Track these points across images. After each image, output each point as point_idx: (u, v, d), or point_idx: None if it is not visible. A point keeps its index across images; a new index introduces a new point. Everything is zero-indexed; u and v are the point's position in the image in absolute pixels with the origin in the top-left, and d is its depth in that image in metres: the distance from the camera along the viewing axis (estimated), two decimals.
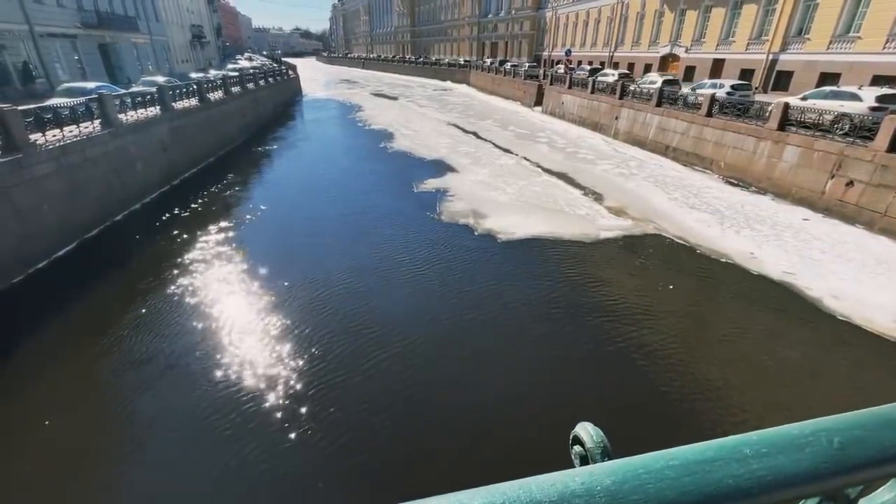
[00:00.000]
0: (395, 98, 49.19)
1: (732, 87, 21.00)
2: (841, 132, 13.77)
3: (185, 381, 7.14)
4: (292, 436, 6.14)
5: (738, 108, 17.66)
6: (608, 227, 13.43)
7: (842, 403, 6.57)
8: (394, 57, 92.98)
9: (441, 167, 20.35)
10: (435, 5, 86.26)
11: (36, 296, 9.51)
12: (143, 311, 9.05)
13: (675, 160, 20.37)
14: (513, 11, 61.74)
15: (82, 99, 14.18)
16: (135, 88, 20.25)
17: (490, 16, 67.98)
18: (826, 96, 15.87)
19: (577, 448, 0.73)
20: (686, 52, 34.28)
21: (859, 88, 15.58)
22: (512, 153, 23.25)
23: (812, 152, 14.21)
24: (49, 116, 12.20)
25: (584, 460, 0.72)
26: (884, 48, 21.05)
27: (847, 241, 11.78)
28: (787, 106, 15.44)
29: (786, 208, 14.31)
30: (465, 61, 65.10)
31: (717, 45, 31.17)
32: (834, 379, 7.51)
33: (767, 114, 16.09)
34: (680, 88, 23.17)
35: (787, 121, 15.39)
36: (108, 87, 17.86)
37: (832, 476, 0.67)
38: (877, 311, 8.79)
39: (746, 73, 28.47)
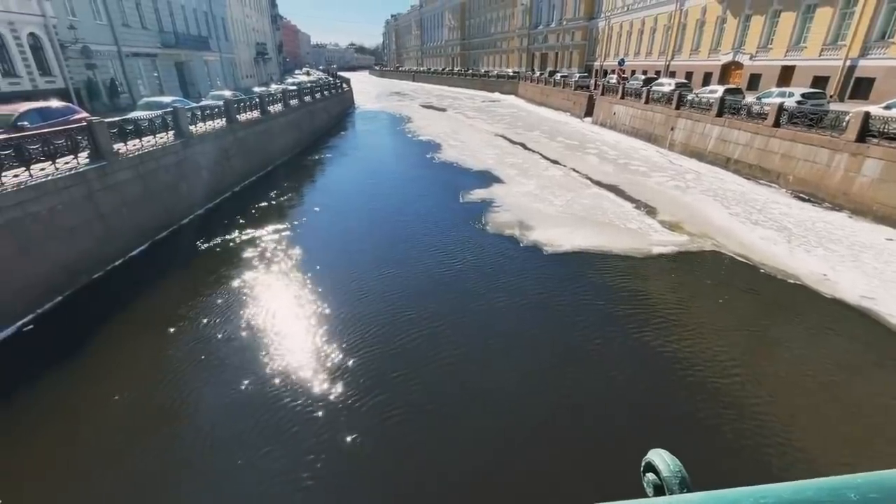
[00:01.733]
0: (443, 109, 49.92)
1: (803, 95, 19.60)
2: None
3: (238, 373, 7.49)
4: (343, 440, 6.24)
5: (809, 117, 16.42)
6: (662, 242, 12.83)
7: None
8: (443, 69, 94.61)
9: (487, 178, 20.34)
10: (485, 18, 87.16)
11: (112, 291, 10.37)
12: (204, 307, 9.62)
13: (737, 173, 19.21)
14: (564, 22, 61.17)
15: (159, 112, 15.47)
16: (204, 102, 21.87)
17: (541, 27, 67.71)
18: None
19: (650, 476, 0.68)
20: (751, 59, 32.42)
21: None
22: (560, 164, 22.86)
23: None
24: (130, 128, 13.41)
25: (659, 490, 0.67)
26: None
27: None
28: (867, 115, 14.17)
29: (865, 227, 13.06)
30: (514, 72, 65.11)
31: (787, 52, 29.25)
32: None
33: (844, 124, 14.83)
34: (743, 97, 21.91)
35: (867, 131, 14.11)
36: (181, 101, 19.39)
37: None
38: None
39: (820, 81, 26.47)
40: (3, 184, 8.96)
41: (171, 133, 15.24)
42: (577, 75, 45.87)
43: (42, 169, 10.10)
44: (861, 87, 24.46)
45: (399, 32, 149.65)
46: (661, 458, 0.68)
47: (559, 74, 49.15)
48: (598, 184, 19.11)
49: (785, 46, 29.33)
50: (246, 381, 7.39)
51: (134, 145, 13.27)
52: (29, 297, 9.08)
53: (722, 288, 10.48)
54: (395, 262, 11.90)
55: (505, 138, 30.96)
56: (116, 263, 11.54)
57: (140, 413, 6.89)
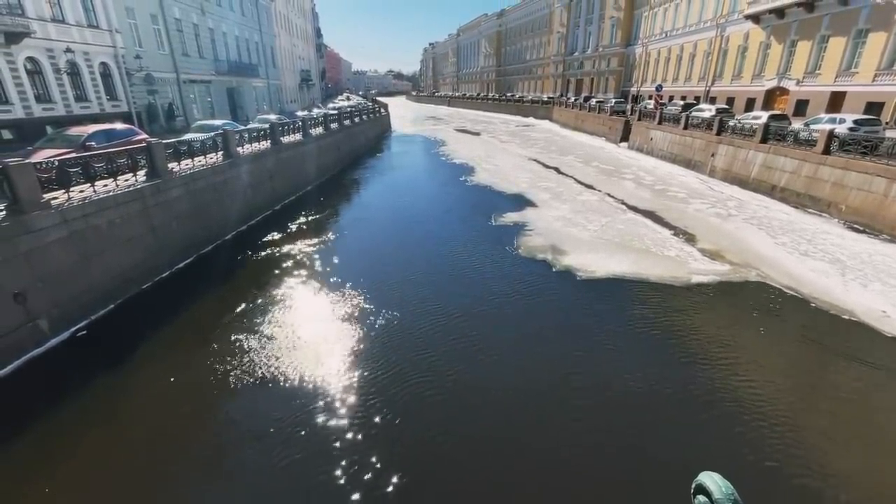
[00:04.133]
0: (477, 134, 50.65)
1: (856, 121, 18.72)
2: None
3: (271, 383, 7.66)
4: (374, 469, 6.21)
5: (863, 144, 15.63)
6: (702, 270, 12.35)
7: None
8: (478, 94, 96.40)
9: (520, 201, 20.33)
10: (521, 45, 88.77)
11: (160, 301, 10.91)
12: (242, 319, 9.95)
13: (784, 201, 18.40)
14: (600, 48, 61.44)
15: (211, 134, 16.47)
16: (251, 125, 23.12)
17: (576, 53, 68.23)
18: None
19: (701, 498, 0.68)
20: (797, 84, 31.38)
21: None
22: (595, 189, 22.61)
23: None
24: (184, 149, 14.32)
25: None
26: None
27: None
28: None
29: None
30: (549, 98, 65.53)
31: (837, 77, 28.15)
32: None
33: None
34: (789, 123, 21.16)
35: None
36: (230, 124, 20.58)
37: None
38: None
39: (874, 107, 25.25)
40: (70, 198, 9.71)
41: (220, 153, 16.15)
42: (613, 100, 45.65)
43: (105, 185, 10.90)
44: None
45: (436, 59, 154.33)
46: (712, 481, 0.68)
47: (594, 99, 49.09)
48: (634, 209, 18.73)
49: (834, 72, 28.27)
50: (276, 397, 7.54)
51: (186, 164, 14.14)
52: (85, 303, 9.69)
53: (769, 321, 9.93)
54: (426, 282, 11.98)
55: (538, 162, 31.00)
56: (165, 275, 12.16)
57: (181, 419, 7.13)
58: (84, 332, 9.39)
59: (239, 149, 17.37)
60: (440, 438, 6.70)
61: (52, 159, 10.06)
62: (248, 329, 9.62)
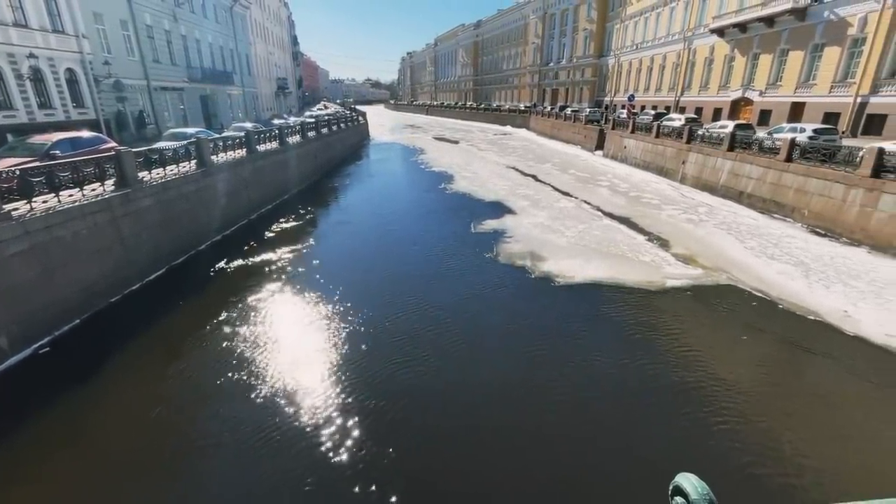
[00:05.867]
0: (455, 142, 51.01)
1: (815, 131, 19.68)
2: None
3: (249, 398, 7.45)
4: (355, 476, 6.13)
5: (822, 152, 16.43)
6: (675, 275, 12.69)
7: None
8: (456, 103, 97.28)
9: (499, 209, 20.53)
10: (498, 55, 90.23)
11: (129, 315, 10.51)
12: (216, 331, 9.67)
13: (751, 206, 19.12)
14: (574, 59, 63.01)
15: (183, 142, 16.09)
16: (226, 133, 22.72)
17: (552, 63, 69.77)
18: None
19: (678, 500, 0.70)
20: (760, 95, 32.84)
21: None
22: (571, 196, 23.02)
23: None
24: (156, 157, 13.94)
25: None
26: None
27: None
28: (881, 151, 14.14)
29: (886, 263, 12.79)
30: (526, 107, 66.66)
31: (796, 89, 29.60)
32: None
33: (858, 159, 14.80)
34: (754, 132, 22.07)
35: (882, 167, 14.05)
36: (204, 133, 20.17)
37: None
38: None
39: (831, 117, 26.62)
40: (33, 209, 9.31)
41: (193, 162, 15.78)
42: (588, 110, 46.79)
43: (70, 195, 10.50)
44: (873, 124, 24.50)
45: (414, 68, 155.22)
46: (689, 482, 0.70)
47: (570, 109, 50.20)
48: (610, 216, 19.15)
49: (794, 83, 29.71)
50: (256, 406, 7.34)
51: (157, 174, 13.76)
52: (48, 318, 9.25)
53: (740, 323, 10.26)
54: (405, 291, 11.91)
55: (516, 170, 31.40)
56: (135, 287, 11.75)
57: (150, 439, 6.85)
58: (47, 348, 8.96)
59: (213, 157, 17.01)
60: (419, 442, 6.65)
61: (13, 168, 9.65)
62: (223, 341, 9.36)
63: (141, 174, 12.92)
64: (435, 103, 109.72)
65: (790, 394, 7.99)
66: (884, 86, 24.08)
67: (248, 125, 27.88)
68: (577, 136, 41.85)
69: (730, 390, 7.76)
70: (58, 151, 12.74)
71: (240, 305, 11.00)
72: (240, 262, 14.05)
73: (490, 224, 17.87)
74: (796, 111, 29.35)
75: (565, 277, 12.46)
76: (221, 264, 13.79)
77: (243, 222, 18.40)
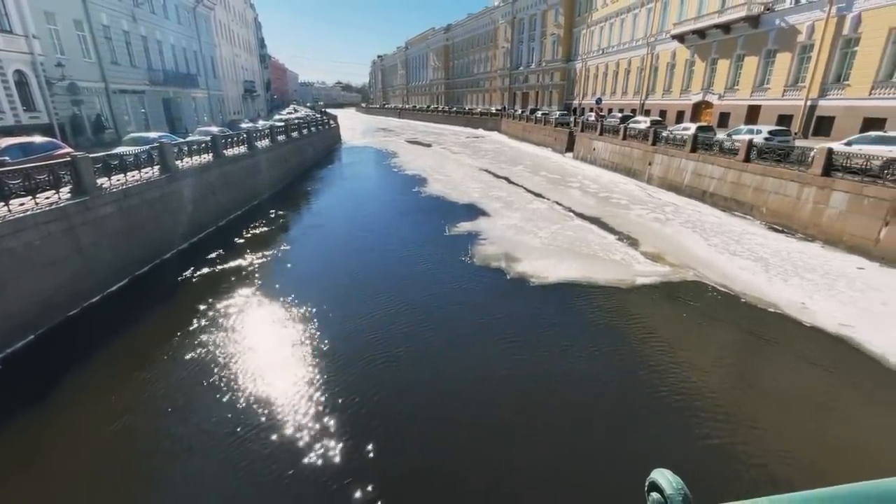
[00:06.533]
0: (428, 145, 51.05)
1: (771, 132, 20.69)
2: (892, 178, 13.16)
3: (217, 400, 7.21)
4: (326, 480, 6.01)
5: (777, 153, 17.29)
6: (645, 272, 13.07)
7: None
8: (428, 107, 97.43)
9: (473, 211, 20.65)
10: (468, 59, 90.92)
11: (88, 328, 10.00)
12: (183, 343, 9.32)
13: (714, 205, 19.91)
14: (543, 63, 64.18)
15: (145, 147, 15.49)
16: (191, 137, 22.01)
17: (521, 67, 70.83)
18: (873, 141, 15.36)
19: (655, 495, 0.71)
20: (719, 98, 34.29)
21: None
22: (544, 198, 23.39)
23: (862, 198, 13.60)
24: (115, 163, 13.35)
25: None
26: None
27: None
28: (830, 151, 15.00)
29: (837, 256, 13.56)
30: (497, 110, 67.39)
31: (752, 92, 31.05)
32: None
33: (810, 159, 15.65)
34: (715, 134, 23.02)
35: (831, 166, 14.90)
36: (168, 137, 19.49)
37: None
38: None
39: (784, 119, 28.04)
40: None
41: (156, 168, 15.21)
42: (558, 113, 47.72)
43: (21, 204, 9.93)
44: (823, 125, 25.96)
45: (385, 72, 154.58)
46: (664, 478, 0.71)
47: (540, 112, 51.08)
48: (581, 216, 19.55)
49: (750, 87, 31.17)
50: (228, 411, 7.13)
51: (118, 180, 13.19)
52: None
53: (706, 317, 10.66)
54: (380, 295, 11.80)
55: (489, 172, 31.68)
56: (95, 299, 11.20)
57: (115, 449, 6.53)
58: None
59: (178, 162, 16.45)
60: (394, 440, 6.61)
61: None
62: (191, 350, 9.03)
63: (100, 181, 12.35)
64: (407, 106, 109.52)
65: (755, 384, 8.35)
66: (831, 90, 25.57)
67: (215, 129, 27.09)
68: (548, 139, 42.60)
69: (699, 382, 8.04)
70: (7, 158, 12.06)
71: (209, 313, 10.65)
72: (209, 269, 13.61)
73: (464, 226, 17.95)
74: (753, 113, 30.78)
75: (539, 277, 12.63)
76: (189, 272, 13.32)
77: (212, 229, 17.84)
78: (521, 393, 7.90)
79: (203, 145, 19.21)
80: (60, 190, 11.09)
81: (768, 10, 29.00)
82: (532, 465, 6.34)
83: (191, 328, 10.01)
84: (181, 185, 16.06)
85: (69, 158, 11.54)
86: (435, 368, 8.64)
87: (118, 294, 11.84)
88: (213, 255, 14.84)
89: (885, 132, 16.54)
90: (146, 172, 14.56)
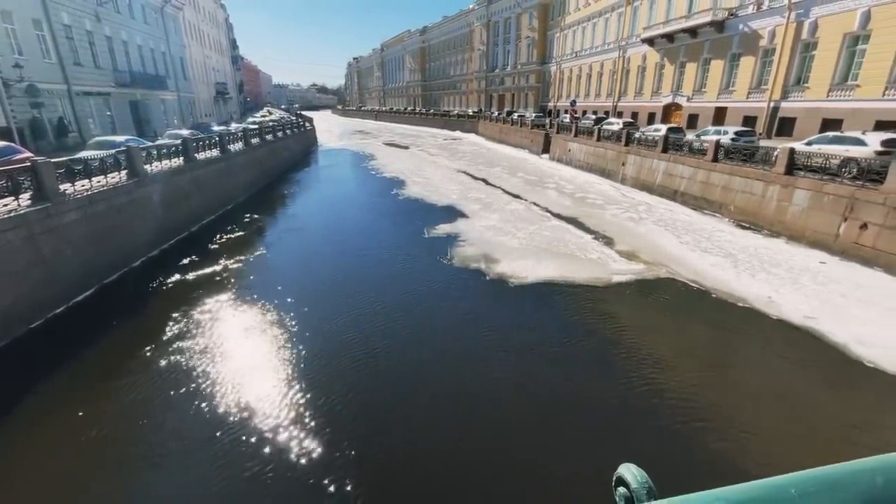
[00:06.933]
0: (406, 147, 50.94)
1: (737, 133, 21.45)
2: (849, 176, 13.84)
3: (192, 405, 7.01)
4: (305, 485, 5.92)
5: (743, 153, 17.95)
6: (620, 270, 13.36)
7: (878, 449, 6.19)
8: (405, 109, 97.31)
9: (452, 212, 20.70)
10: (445, 62, 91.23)
11: (52, 341, 9.58)
12: (155, 354, 9.03)
13: (685, 204, 20.51)
14: (518, 66, 64.96)
15: (111, 151, 14.96)
16: (161, 141, 21.37)
17: (497, 70, 71.50)
18: (831, 141, 16.10)
19: (621, 490, 0.73)
20: (688, 101, 35.39)
21: (863, 133, 15.81)
22: (521, 199, 23.65)
23: (822, 195, 14.24)
24: (79, 168, 12.84)
25: (630, 501, 0.72)
26: (884, 95, 21.54)
27: (867, 285, 11.52)
28: (792, 151, 15.67)
29: (801, 251, 14.16)
30: (474, 112, 67.82)
31: (719, 95, 32.17)
32: (864, 424, 7.11)
33: (774, 159, 16.31)
34: (684, 135, 23.74)
35: (794, 165, 15.56)
36: (135, 141, 18.89)
37: None
38: None
39: (749, 120, 29.13)
40: None
41: (123, 172, 14.71)
42: (534, 115, 48.34)
43: None
44: (785, 126, 27.09)
45: (361, 74, 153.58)
46: (629, 472, 0.73)
47: (516, 114, 51.66)
48: (559, 216, 19.85)
49: (717, 90, 32.29)
50: (204, 415, 6.97)
51: (83, 185, 12.69)
52: None
53: (678, 312, 10.97)
54: (359, 298, 11.71)
55: (467, 174, 31.83)
56: (59, 310, 10.74)
57: (83, 471, 6.27)
58: None
59: (147, 167, 15.95)
60: (372, 439, 6.59)
61: None
62: (164, 357, 8.75)
63: (63, 186, 11.86)
64: (384, 109, 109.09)
65: (724, 376, 8.64)
66: (792, 92, 26.73)
67: (185, 132, 26.37)
68: (525, 141, 43.10)
69: (670, 377, 8.26)
70: None
71: (183, 321, 10.35)
72: (181, 276, 13.23)
73: (443, 228, 17.98)
74: (720, 115, 31.88)
75: (518, 278, 12.76)
76: (161, 280, 12.92)
77: (184, 234, 17.35)
78: (497, 390, 7.99)
79: (173, 149, 18.67)
80: (20, 196, 10.60)
81: (732, 15, 30.11)
82: (505, 462, 6.41)
83: (164, 336, 9.71)
84: (150, 190, 15.57)
85: (29, 164, 11.05)
86: (413, 368, 8.66)
87: (85, 304, 11.39)
88: (186, 261, 14.44)
89: (841, 132, 17.36)
90: (113, 177, 14.06)
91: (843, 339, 9.21)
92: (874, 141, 14.77)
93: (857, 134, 15.81)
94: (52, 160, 11.72)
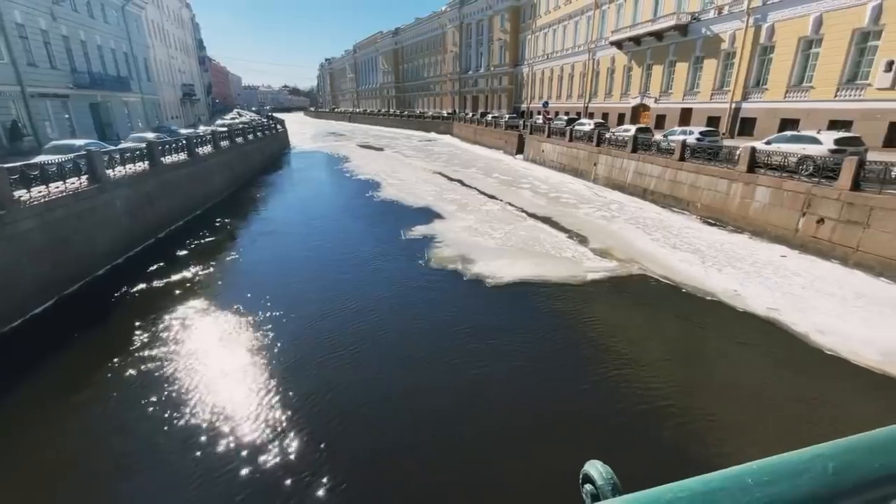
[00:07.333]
0: (380, 149, 50.63)
1: (701, 133, 22.22)
2: (806, 173, 14.54)
3: (163, 414, 6.76)
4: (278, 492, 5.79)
5: (708, 152, 18.61)
6: (594, 268, 13.63)
7: (835, 432, 6.51)
8: (379, 110, 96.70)
9: (428, 214, 20.68)
10: (418, 63, 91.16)
11: (6, 356, 9.06)
12: (123, 362, 8.66)
13: (654, 202, 21.10)
14: (492, 68, 65.52)
15: (70, 156, 14.30)
16: (124, 145, 20.57)
17: (471, 72, 71.92)
18: (788, 140, 16.87)
19: (587, 487, 0.74)
20: (655, 102, 36.46)
21: (818, 132, 16.63)
22: (497, 199, 23.84)
23: (782, 192, 14.90)
24: (35, 173, 12.22)
25: (596, 497, 0.73)
26: (835, 96, 22.74)
27: (825, 277, 12.12)
28: (753, 150, 16.34)
29: (763, 246, 14.77)
30: (449, 113, 68.00)
31: (684, 96, 33.27)
32: (825, 411, 7.48)
33: (736, 157, 16.98)
34: (653, 135, 24.44)
35: (755, 163, 16.23)
36: (96, 144, 18.10)
37: (829, 501, 0.70)
38: (862, 344, 8.91)
39: (713, 120, 30.23)
40: None
41: (84, 178, 14.09)
42: (507, 116, 48.84)
43: None
44: (746, 126, 28.26)
45: (334, 75, 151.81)
46: (595, 469, 0.74)
47: (490, 115, 52.09)
48: (534, 216, 20.10)
49: (682, 91, 33.40)
50: (176, 424, 6.74)
51: (39, 192, 12.08)
52: None
53: (650, 308, 11.28)
54: (334, 303, 11.55)
55: (443, 175, 31.88)
56: (15, 323, 10.18)
57: (49, 488, 5.95)
58: None
59: (110, 171, 15.32)
60: (344, 447, 6.50)
61: None
62: (130, 370, 8.42)
63: (17, 193, 11.27)
64: (358, 110, 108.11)
65: (692, 368, 8.91)
66: (752, 93, 27.89)
67: (150, 135, 25.46)
68: (499, 142, 43.49)
69: (640, 371, 8.47)
70: None
71: (151, 329, 9.97)
72: (148, 284, 12.76)
73: (420, 229, 17.94)
74: (686, 116, 32.97)
75: (495, 278, 12.85)
76: (126, 289, 12.42)
77: (151, 241, 16.75)
78: (470, 390, 8.04)
79: (138, 153, 18.00)
80: None
81: (695, 19, 31.21)
82: (476, 461, 6.42)
83: (131, 347, 9.34)
84: (114, 195, 14.97)
85: None
86: (387, 369, 8.62)
87: (43, 316, 10.84)
88: (154, 268, 13.94)
89: (798, 132, 18.23)
90: (73, 183, 13.45)
91: (804, 330, 9.65)
92: (828, 140, 15.57)
93: (812, 133, 16.62)
94: (5, 165, 11.11)
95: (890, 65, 19.97)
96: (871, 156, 14.89)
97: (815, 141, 15.80)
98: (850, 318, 9.98)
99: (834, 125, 21.69)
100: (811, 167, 14.42)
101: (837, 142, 15.28)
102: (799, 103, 24.74)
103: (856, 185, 12.77)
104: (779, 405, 7.61)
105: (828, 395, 7.94)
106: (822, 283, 11.72)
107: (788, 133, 18.07)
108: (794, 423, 7.15)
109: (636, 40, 36.76)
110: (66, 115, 30.63)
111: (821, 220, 13.58)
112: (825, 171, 13.86)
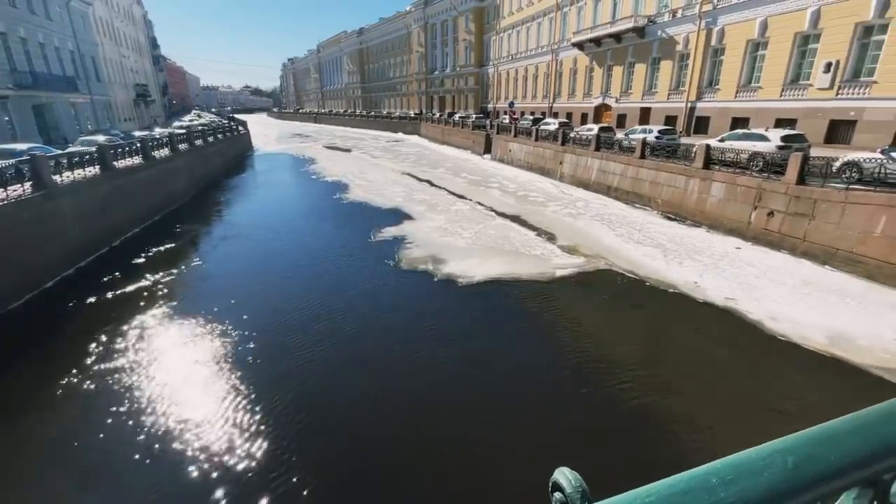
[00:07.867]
0: (348, 150, 49.92)
1: (660, 131, 23.07)
2: (757, 168, 15.33)
3: (125, 424, 6.43)
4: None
5: (666, 150, 19.35)
6: (563, 265, 13.91)
7: (792, 419, 6.91)
8: (345, 111, 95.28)
9: (397, 215, 20.55)
10: (384, 63, 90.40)
11: None
12: (77, 380, 8.17)
13: (618, 199, 21.74)
14: (458, 68, 65.76)
15: (11, 161, 13.38)
16: (73, 148, 19.42)
17: (437, 72, 71.94)
18: (740, 138, 17.76)
19: (557, 495, 0.73)
20: (616, 101, 37.57)
21: (766, 130, 17.58)
22: (466, 199, 23.95)
23: (735, 187, 15.67)
24: None
25: None
26: (781, 96, 24.10)
27: (776, 266, 12.83)
28: (708, 147, 17.10)
29: (719, 239, 15.48)
30: (416, 114, 67.77)
31: (643, 96, 34.44)
32: (781, 395, 7.89)
33: (693, 154, 17.72)
34: (615, 134, 25.18)
35: (710, 160, 16.99)
36: (41, 149, 17.01)
37: (790, 495, 0.72)
38: (810, 329, 9.49)
39: (671, 119, 31.46)
40: None
41: (27, 184, 13.21)
42: (475, 116, 49.13)
43: None
44: (701, 124, 29.55)
45: (297, 75, 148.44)
46: (564, 477, 0.74)
47: (458, 115, 52.26)
48: (503, 215, 20.32)
49: (641, 91, 34.57)
50: (138, 444, 6.38)
51: None
52: None
53: (615, 301, 11.62)
54: (302, 309, 11.28)
55: (411, 176, 31.75)
56: None
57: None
58: None
59: (56, 177, 14.43)
60: (313, 449, 6.40)
61: None
62: (85, 385, 7.96)
63: None
64: (324, 111, 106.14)
65: (656, 360, 9.24)
66: (706, 93, 29.18)
67: (101, 138, 24.14)
68: (467, 142, 43.71)
69: (606, 368, 8.69)
70: None
71: (106, 341, 9.46)
72: (102, 295, 12.09)
73: (389, 231, 17.81)
74: (645, 115, 34.14)
75: (466, 277, 12.91)
76: (78, 300, 11.73)
77: (104, 250, 15.89)
78: (440, 392, 8.06)
79: (87, 157, 17.03)
80: None
81: (651, 22, 32.36)
82: (446, 466, 6.41)
83: (86, 360, 8.83)
84: (61, 202, 14.09)
85: None
86: (357, 371, 8.52)
87: None
88: (108, 278, 13.22)
89: (748, 129, 19.21)
90: (15, 190, 12.59)
91: (759, 317, 10.18)
92: (775, 137, 16.49)
93: (761, 131, 17.56)
94: None
95: (829, 66, 21.35)
96: (814, 152, 15.91)
97: (763, 138, 16.71)
98: (799, 304, 10.60)
99: (780, 123, 22.99)
100: (761, 163, 15.23)
101: (784, 139, 16.21)
102: (749, 102, 26.07)
103: (801, 180, 13.57)
104: (738, 392, 7.97)
105: (783, 379, 8.38)
106: (774, 273, 12.39)
107: (740, 131, 19.00)
108: (753, 409, 7.49)
109: (597, 42, 37.76)
110: (6, 118, 28.64)
111: (771, 213, 14.37)
112: (774, 166, 14.67)
